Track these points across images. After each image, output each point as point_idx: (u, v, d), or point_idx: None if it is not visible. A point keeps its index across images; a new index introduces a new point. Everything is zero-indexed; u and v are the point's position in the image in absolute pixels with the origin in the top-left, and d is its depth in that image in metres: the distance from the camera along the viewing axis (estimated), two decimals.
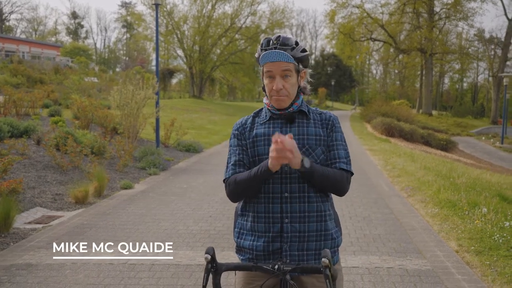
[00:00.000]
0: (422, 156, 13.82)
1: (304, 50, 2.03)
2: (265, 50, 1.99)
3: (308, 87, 2.15)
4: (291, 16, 49.99)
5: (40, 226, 5.86)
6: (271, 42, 1.99)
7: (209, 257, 1.71)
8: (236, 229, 2.12)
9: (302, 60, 2.04)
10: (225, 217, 6.28)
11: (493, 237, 5.12)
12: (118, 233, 5.47)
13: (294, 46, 2.00)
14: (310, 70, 2.14)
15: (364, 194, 7.84)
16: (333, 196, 2.10)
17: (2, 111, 12.75)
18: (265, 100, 2.13)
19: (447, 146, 24.24)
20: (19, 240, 5.26)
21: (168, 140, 13.28)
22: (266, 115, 2.11)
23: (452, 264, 4.54)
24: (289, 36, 2.03)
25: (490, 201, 6.71)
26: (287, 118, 2.05)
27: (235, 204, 2.17)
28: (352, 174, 2.07)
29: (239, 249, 2.08)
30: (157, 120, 12.02)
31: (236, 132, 2.14)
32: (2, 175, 6.87)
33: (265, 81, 2.02)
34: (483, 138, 35.29)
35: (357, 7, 48.24)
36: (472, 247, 4.95)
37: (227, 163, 2.12)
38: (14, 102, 13.07)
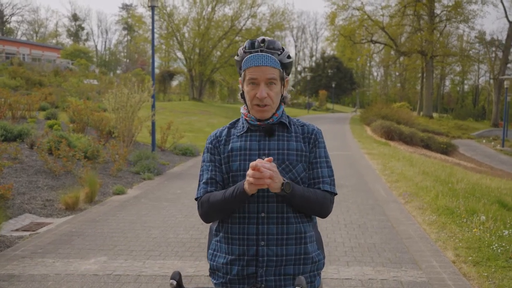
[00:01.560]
0: (421, 160, 13.66)
1: (289, 56, 1.87)
2: (249, 52, 1.81)
3: (289, 97, 1.98)
4: (292, 18, 49.95)
5: (27, 233, 5.71)
6: (256, 44, 1.82)
7: (175, 283, 1.56)
8: (210, 250, 1.97)
9: (287, 67, 1.87)
10: None
11: (491, 247, 4.97)
12: (106, 242, 5.33)
13: (281, 50, 1.84)
14: (289, 78, 1.96)
15: (361, 200, 7.69)
16: None
17: None
18: (242, 109, 1.95)
19: (447, 150, 24.06)
20: (4, 248, 5.12)
21: (165, 143, 13.15)
22: (243, 127, 1.93)
23: (449, 276, 4.38)
24: (275, 40, 1.86)
25: (489, 208, 6.56)
26: (266, 130, 1.88)
27: None
28: (335, 194, 1.92)
29: (213, 272, 1.92)
30: (153, 123, 11.88)
31: (210, 145, 1.96)
32: None
33: (246, 88, 1.84)
34: (484, 141, 35.12)
35: (358, 10, 48.16)
36: (470, 257, 4.79)
37: (199, 181, 1.95)
38: (10, 105, 12.96)
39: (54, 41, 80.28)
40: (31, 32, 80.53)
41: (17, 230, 5.88)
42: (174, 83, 54.64)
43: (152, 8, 11.83)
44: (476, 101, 75.55)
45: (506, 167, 22.01)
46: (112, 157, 9.75)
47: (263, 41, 1.82)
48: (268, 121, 1.87)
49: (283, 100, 1.92)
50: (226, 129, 1.98)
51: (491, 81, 65.58)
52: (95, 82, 33.97)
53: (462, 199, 7.08)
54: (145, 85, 11.43)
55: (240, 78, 1.92)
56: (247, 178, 1.68)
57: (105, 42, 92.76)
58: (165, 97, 41.84)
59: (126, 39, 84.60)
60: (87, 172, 8.09)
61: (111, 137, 11.62)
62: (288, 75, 1.91)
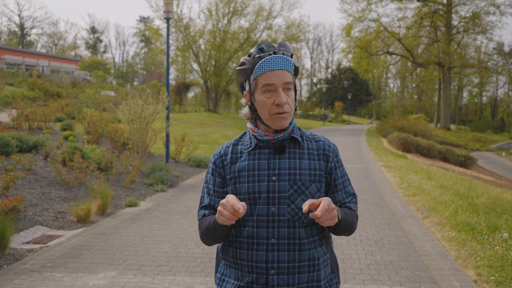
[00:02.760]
0: (439, 173, 13.38)
1: (297, 61, 1.74)
2: (260, 57, 1.65)
3: (297, 108, 1.82)
4: (307, 30, 49.95)
5: (37, 246, 5.65)
6: (264, 48, 1.66)
7: None
8: (217, 274, 1.83)
9: (297, 73, 1.74)
10: None
11: None
12: (116, 256, 5.23)
13: (292, 54, 1.70)
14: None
15: (377, 214, 7.49)
16: None
17: (14, 125, 12.74)
18: (249, 124, 1.79)
19: (466, 162, 23.60)
20: (14, 262, 5.06)
21: (179, 155, 13.09)
22: (250, 143, 1.77)
23: None
24: (286, 42, 1.72)
25: (511, 224, 6.32)
26: (276, 147, 1.72)
27: None
28: None
29: None
30: (167, 135, 11.84)
31: (213, 166, 1.82)
32: (4, 192, 6.71)
33: (261, 97, 1.67)
34: (504, 153, 34.47)
35: (374, 21, 47.92)
36: (492, 277, 4.58)
37: (200, 202, 1.83)
38: (26, 116, 13.06)
39: (72, 53, 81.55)
40: (51, 45, 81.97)
41: (27, 242, 5.82)
42: (190, 94, 54.86)
43: (168, 20, 11.86)
44: (495, 113, 74.49)
45: None
46: (126, 168, 9.71)
47: (272, 45, 1.68)
48: (279, 136, 1.72)
49: (296, 110, 1.78)
50: (231, 146, 1.82)
51: (510, 92, 64.84)
52: (112, 93, 34.28)
53: (482, 215, 6.84)
54: (160, 96, 11.42)
55: (245, 91, 1.75)
56: (218, 213, 1.55)
57: (123, 54, 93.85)
58: (181, 108, 42.00)
59: (143, 51, 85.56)
60: (100, 184, 8.04)
61: (125, 149, 11.60)
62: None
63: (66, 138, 12.15)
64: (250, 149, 1.76)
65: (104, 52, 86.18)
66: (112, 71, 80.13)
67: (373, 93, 77.36)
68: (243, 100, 1.79)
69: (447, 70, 46.07)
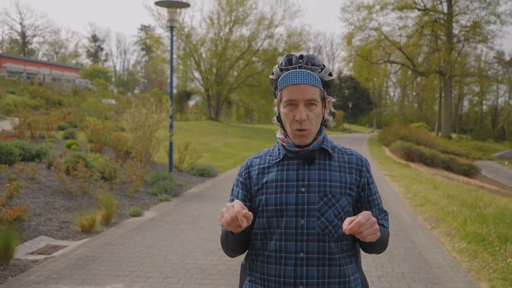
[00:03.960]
0: (444, 182, 13.29)
1: (331, 74, 1.66)
2: (286, 69, 1.61)
3: (331, 119, 1.77)
4: (308, 39, 49.90)
5: (42, 257, 5.56)
6: (293, 59, 1.62)
7: None
8: None
9: (329, 86, 1.67)
10: None
11: None
12: (122, 267, 5.14)
13: (322, 67, 1.64)
14: (334, 99, 1.76)
15: None
16: None
17: (16, 134, 12.68)
18: (278, 134, 1.75)
19: (469, 172, 23.50)
20: (18, 273, 4.97)
21: (182, 164, 13.01)
22: (279, 153, 1.72)
23: None
24: (315, 55, 1.66)
25: None
26: (305, 158, 1.66)
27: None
28: None
29: None
30: (171, 144, 11.78)
31: (239, 178, 1.77)
32: (8, 201, 6.63)
33: (284, 110, 1.64)
34: (506, 162, 34.39)
35: (375, 30, 48.09)
36: None
37: None
38: (29, 124, 13.00)
39: (74, 61, 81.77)
40: (52, 53, 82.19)
41: (32, 253, 5.73)
42: (191, 103, 54.92)
43: (171, 28, 11.84)
44: (495, 121, 74.49)
45: None
46: (129, 177, 9.63)
47: (301, 56, 1.63)
48: (308, 147, 1.66)
49: (324, 123, 1.72)
50: (260, 157, 1.77)
51: (511, 101, 64.92)
52: (113, 101, 34.29)
53: (492, 225, 6.76)
54: (163, 105, 11.36)
55: (275, 100, 1.72)
56: (220, 214, 1.54)
57: (124, 62, 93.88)
58: (182, 116, 42.01)
59: (144, 59, 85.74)
60: (104, 193, 7.96)
61: (129, 157, 11.53)
62: (330, 94, 1.71)
63: (69, 146, 12.08)
64: (278, 159, 1.71)
65: (105, 60, 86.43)
66: (113, 79, 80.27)
67: (374, 101, 77.44)
68: (275, 108, 1.75)
69: (448, 78, 46.11)
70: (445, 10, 46.51)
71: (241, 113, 59.03)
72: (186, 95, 47.09)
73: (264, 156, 1.77)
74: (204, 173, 12.91)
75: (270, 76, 1.70)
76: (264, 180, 1.69)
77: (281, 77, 1.62)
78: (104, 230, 6.88)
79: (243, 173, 1.77)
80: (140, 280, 4.75)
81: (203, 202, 9.30)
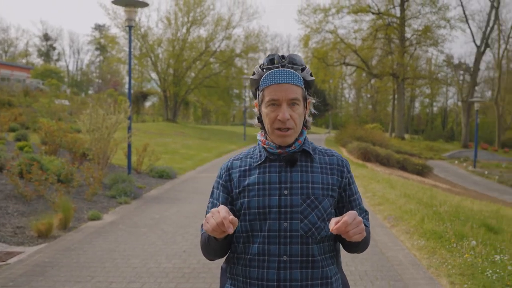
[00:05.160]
0: (400, 182, 13.66)
1: (312, 74, 1.65)
2: (269, 69, 1.60)
3: (311, 120, 1.75)
4: (266, 40, 50.30)
5: None
6: (275, 59, 1.60)
7: None
8: None
9: (310, 86, 1.66)
10: (200, 252, 5.82)
11: (485, 273, 4.84)
12: (83, 273, 4.98)
13: (304, 67, 1.62)
14: (314, 100, 1.75)
15: None
16: None
17: None
18: (259, 136, 1.72)
19: (422, 171, 24.29)
20: None
21: (140, 166, 12.78)
22: (260, 156, 1.69)
23: None
24: (297, 55, 1.65)
25: (476, 231, 6.48)
26: (287, 160, 1.64)
27: None
28: None
29: None
30: (129, 145, 11.54)
31: (219, 180, 1.73)
32: None
33: (265, 110, 1.61)
34: (456, 162, 35.71)
35: (331, 33, 48.86)
36: (465, 285, 4.65)
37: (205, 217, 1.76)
38: None
39: (24, 60, 78.78)
40: (0, 52, 78.92)
41: None
42: (148, 104, 54.11)
43: (129, 28, 11.61)
44: (445, 122, 77.16)
45: (479, 188, 22.31)
46: (87, 180, 9.36)
47: (283, 56, 1.62)
48: (290, 149, 1.64)
49: (305, 124, 1.72)
50: (240, 159, 1.74)
51: (459, 103, 67.33)
52: (67, 102, 33.26)
53: (448, 223, 6.98)
54: (121, 106, 11.12)
55: (256, 100, 1.69)
56: (205, 219, 1.47)
57: (77, 62, 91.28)
58: (139, 118, 41.23)
59: (98, 59, 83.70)
60: (60, 197, 7.69)
61: (86, 160, 11.21)
62: (310, 95, 1.70)
63: (21, 149, 11.63)
64: (260, 162, 1.68)
65: (58, 60, 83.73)
66: (66, 79, 77.90)
67: (330, 103, 78.67)
68: (255, 109, 1.72)
69: (401, 81, 47.43)
70: (398, 14, 47.88)
71: (199, 114, 58.70)
72: (142, 96, 46.40)
73: (244, 158, 1.74)
74: (163, 175, 12.73)
75: (251, 76, 1.68)
76: (246, 182, 1.66)
77: (263, 76, 1.60)
78: (61, 235, 6.65)
79: (224, 175, 1.73)
80: (101, 286, 4.61)
81: (164, 204, 9.16)
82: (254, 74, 1.67)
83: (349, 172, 1.73)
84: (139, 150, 12.76)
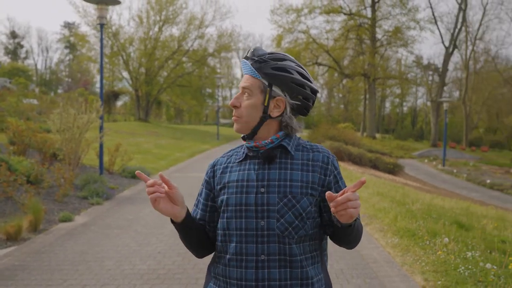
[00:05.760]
0: (373, 180, 13.82)
1: (282, 69, 1.59)
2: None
3: (295, 123, 1.68)
4: (239, 40, 50.24)
5: None
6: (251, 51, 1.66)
7: None
8: None
9: (274, 79, 1.59)
10: (175, 253, 5.77)
11: (458, 270, 4.93)
12: (54, 276, 4.85)
13: (265, 59, 1.58)
14: (292, 101, 1.65)
15: None
16: None
17: None
18: None
19: (394, 170, 24.66)
20: None
21: (113, 166, 12.57)
22: (243, 153, 1.68)
23: None
24: (261, 47, 1.65)
25: (448, 229, 6.60)
26: (264, 157, 1.61)
27: None
28: None
29: None
30: (101, 145, 11.33)
31: (206, 177, 1.74)
32: None
33: None
34: (426, 160, 36.39)
35: (303, 33, 49.12)
36: (439, 282, 4.72)
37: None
38: None
39: None
40: None
41: None
42: (119, 103, 53.33)
43: (101, 26, 11.40)
44: (415, 122, 78.60)
45: (448, 186, 22.81)
46: (57, 181, 9.15)
47: (253, 49, 1.65)
48: (267, 142, 1.61)
49: (284, 126, 1.66)
50: (226, 157, 1.75)
51: (428, 103, 68.69)
52: (35, 101, 32.48)
53: (421, 221, 7.10)
54: (92, 105, 10.91)
55: None
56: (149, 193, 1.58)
57: (46, 60, 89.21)
58: (110, 117, 40.59)
59: (68, 58, 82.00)
60: (30, 198, 7.49)
61: (56, 160, 10.96)
62: (284, 92, 1.63)
63: None
64: (241, 159, 1.67)
65: (26, 58, 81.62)
66: (35, 78, 76.10)
67: None
68: None
69: (372, 81, 48.06)
70: (369, 15, 48.49)
71: (172, 114, 58.21)
72: (113, 95, 45.69)
73: (230, 156, 1.74)
74: (136, 175, 12.53)
75: None
76: (226, 179, 1.66)
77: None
78: (32, 237, 6.48)
79: (209, 171, 1.74)
80: None
81: (137, 205, 9.03)
82: None
83: (336, 168, 1.67)
84: (111, 150, 12.56)
